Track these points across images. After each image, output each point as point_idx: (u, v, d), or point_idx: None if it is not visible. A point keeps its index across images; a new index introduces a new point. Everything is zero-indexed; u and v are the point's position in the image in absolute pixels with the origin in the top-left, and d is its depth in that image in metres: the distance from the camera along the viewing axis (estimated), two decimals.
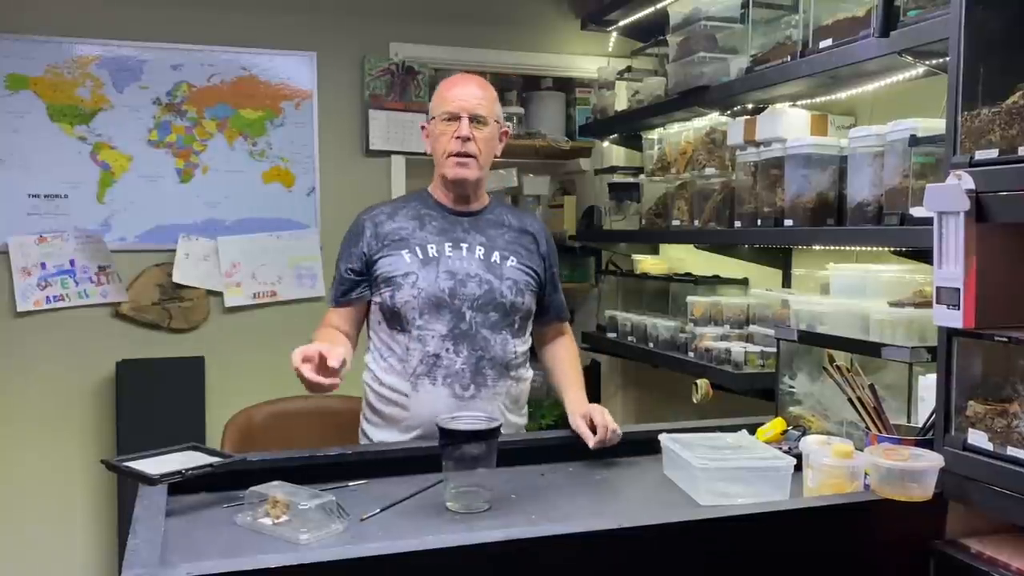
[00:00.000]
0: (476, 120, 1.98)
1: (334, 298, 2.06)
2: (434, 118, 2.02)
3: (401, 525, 1.54)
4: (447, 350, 1.95)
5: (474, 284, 1.97)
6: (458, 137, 1.97)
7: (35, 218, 3.13)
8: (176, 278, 3.28)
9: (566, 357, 2.18)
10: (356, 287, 2.03)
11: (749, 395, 2.49)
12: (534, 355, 2.19)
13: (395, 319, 1.98)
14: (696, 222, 2.76)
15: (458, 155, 1.98)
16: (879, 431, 1.68)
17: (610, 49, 3.68)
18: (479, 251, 2.02)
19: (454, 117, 1.97)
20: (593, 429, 1.90)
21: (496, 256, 2.03)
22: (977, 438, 1.45)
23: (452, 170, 1.99)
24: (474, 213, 2.07)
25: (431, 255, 1.99)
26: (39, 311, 3.15)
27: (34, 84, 3.11)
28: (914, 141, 1.83)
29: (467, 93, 2.00)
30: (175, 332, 3.30)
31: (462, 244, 2.02)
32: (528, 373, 2.10)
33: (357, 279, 2.03)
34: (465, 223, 2.05)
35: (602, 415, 1.91)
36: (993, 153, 1.41)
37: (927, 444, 1.58)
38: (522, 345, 2.06)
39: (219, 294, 3.34)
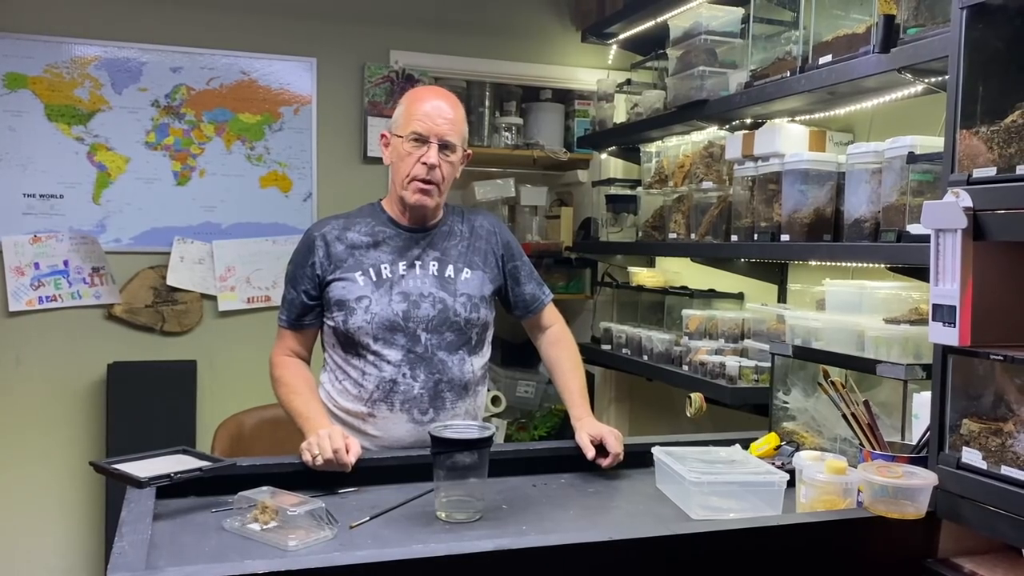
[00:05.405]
0: (445, 147, 1.91)
1: (289, 320, 1.99)
2: (400, 136, 1.93)
3: (390, 534, 1.53)
4: (404, 375, 1.92)
5: (427, 305, 1.94)
6: (424, 163, 1.90)
7: (30, 218, 3.12)
8: (170, 281, 3.26)
9: (563, 358, 2.14)
10: (311, 311, 1.98)
11: (743, 410, 2.48)
12: (537, 355, 2.19)
13: (349, 343, 1.95)
14: (693, 235, 2.76)
15: (423, 181, 1.91)
16: (873, 448, 1.68)
17: (610, 62, 3.68)
18: (433, 267, 1.97)
19: (423, 140, 1.90)
20: (602, 451, 1.90)
21: (450, 270, 1.98)
22: (971, 456, 1.45)
23: (413, 196, 1.92)
24: (429, 229, 2.01)
25: (384, 276, 1.94)
26: (31, 311, 3.13)
27: (32, 83, 3.10)
28: (912, 158, 1.83)
29: (438, 114, 1.90)
30: (168, 335, 3.28)
31: (416, 262, 1.97)
32: (485, 385, 2.08)
33: (312, 303, 1.97)
34: (420, 240, 1.99)
35: (615, 443, 1.89)
36: (991, 171, 1.41)
37: (921, 462, 1.57)
38: (479, 360, 2.03)
39: (213, 298, 3.33)
